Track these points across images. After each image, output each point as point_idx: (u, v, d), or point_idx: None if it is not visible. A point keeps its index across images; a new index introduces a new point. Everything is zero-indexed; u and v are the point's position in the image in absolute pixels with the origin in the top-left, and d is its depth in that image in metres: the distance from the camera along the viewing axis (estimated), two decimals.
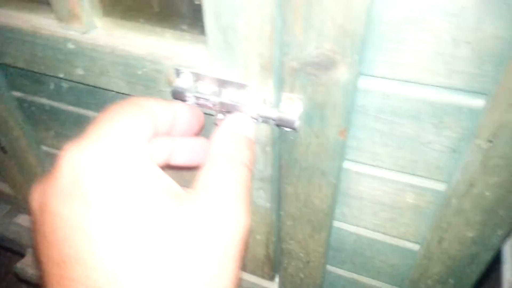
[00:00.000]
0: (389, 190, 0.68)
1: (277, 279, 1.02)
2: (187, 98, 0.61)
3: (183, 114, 0.54)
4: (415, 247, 0.75)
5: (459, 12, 0.46)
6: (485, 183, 0.57)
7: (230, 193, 0.41)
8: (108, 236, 0.34)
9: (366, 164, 0.67)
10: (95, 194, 0.35)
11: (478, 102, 0.52)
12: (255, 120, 0.61)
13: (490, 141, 0.53)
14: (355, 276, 0.90)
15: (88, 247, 0.34)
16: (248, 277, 1.05)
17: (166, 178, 0.41)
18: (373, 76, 0.55)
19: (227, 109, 0.61)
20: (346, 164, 0.68)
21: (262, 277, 1.02)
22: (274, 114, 0.59)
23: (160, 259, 0.34)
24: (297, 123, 0.59)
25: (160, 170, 0.41)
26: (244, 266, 1.02)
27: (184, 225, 0.36)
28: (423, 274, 0.76)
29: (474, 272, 0.71)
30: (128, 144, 0.39)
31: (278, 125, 0.61)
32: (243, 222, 0.40)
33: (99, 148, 0.38)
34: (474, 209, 0.61)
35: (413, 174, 0.64)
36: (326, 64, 0.53)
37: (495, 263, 0.77)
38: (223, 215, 0.39)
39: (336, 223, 0.80)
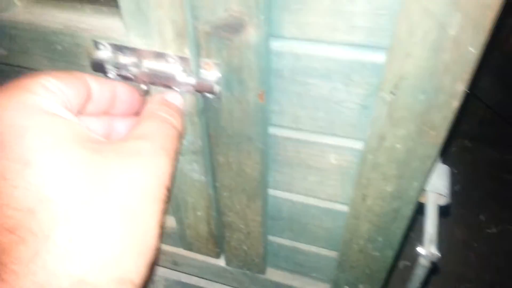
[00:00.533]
0: (314, 153, 0.71)
1: (223, 256, 1.04)
2: (107, 70, 0.62)
3: (124, 93, 0.55)
4: (344, 208, 0.78)
5: None
6: (394, 136, 0.61)
7: (155, 143, 0.44)
8: (22, 174, 0.35)
9: (289, 128, 0.69)
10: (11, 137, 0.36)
11: (379, 57, 0.55)
12: (177, 89, 0.62)
13: (393, 93, 0.56)
14: (295, 243, 0.92)
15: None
16: (195, 256, 1.06)
17: (83, 128, 0.42)
18: (284, 37, 0.57)
19: (148, 79, 0.61)
20: (271, 130, 0.71)
21: (208, 254, 1.04)
22: (193, 80, 0.60)
23: (78, 195, 0.35)
24: (216, 88, 0.61)
25: (78, 121, 0.42)
26: (189, 245, 1.03)
27: (102, 167, 0.38)
28: (354, 234, 0.79)
29: (399, 227, 0.75)
30: (46, 95, 0.41)
31: (199, 91, 0.62)
32: (165, 168, 0.42)
33: (14, 95, 0.39)
34: (389, 162, 0.65)
35: (333, 135, 0.67)
36: (235, 26, 0.55)
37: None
38: (145, 160, 0.41)
39: (271, 191, 0.82)
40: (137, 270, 0.36)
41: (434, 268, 0.75)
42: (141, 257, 0.36)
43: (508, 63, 2.37)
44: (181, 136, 0.52)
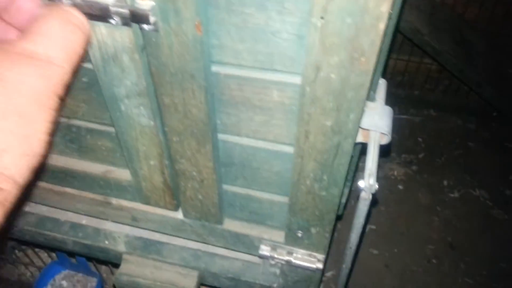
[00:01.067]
0: (257, 90, 0.72)
1: (180, 209, 1.05)
2: None
3: (25, 3, 0.53)
4: (290, 149, 0.80)
5: None
6: (328, 64, 0.62)
7: (51, 46, 0.42)
8: None
9: (231, 64, 0.70)
10: None
11: None
12: (113, 21, 0.62)
13: (323, 18, 0.57)
14: (248, 191, 0.94)
15: None
16: (154, 210, 1.07)
17: None
18: None
19: (81, 10, 0.61)
20: (214, 68, 0.71)
21: (166, 207, 1.05)
22: (126, 10, 0.60)
23: None
24: (152, 18, 0.61)
25: None
26: (147, 199, 1.04)
27: None
28: (301, 174, 0.81)
29: (342, 164, 0.77)
30: None
31: (134, 22, 0.62)
32: (59, 76, 0.41)
33: None
34: (326, 94, 0.66)
35: (272, 70, 0.68)
36: None
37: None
38: (36, 63, 0.40)
39: (220, 136, 0.83)
40: (19, 170, 0.36)
41: (374, 202, 0.78)
42: (24, 159, 0.37)
43: (470, 29, 2.41)
44: (87, 41, 0.48)
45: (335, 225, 0.90)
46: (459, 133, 2.53)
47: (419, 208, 2.20)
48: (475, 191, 2.28)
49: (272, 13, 0.61)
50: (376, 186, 0.72)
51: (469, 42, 2.42)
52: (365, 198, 0.73)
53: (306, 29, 0.61)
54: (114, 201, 1.11)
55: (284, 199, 0.92)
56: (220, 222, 1.03)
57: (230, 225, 1.04)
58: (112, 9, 0.60)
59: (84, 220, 1.23)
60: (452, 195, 2.25)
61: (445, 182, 2.30)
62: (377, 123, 0.79)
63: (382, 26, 0.56)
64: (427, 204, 2.22)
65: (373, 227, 2.06)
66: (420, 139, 2.48)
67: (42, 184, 1.15)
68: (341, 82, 0.64)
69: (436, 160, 2.41)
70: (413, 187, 2.28)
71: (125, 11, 0.60)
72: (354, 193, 1.22)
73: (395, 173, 2.32)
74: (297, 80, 0.68)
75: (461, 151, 2.45)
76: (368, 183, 0.72)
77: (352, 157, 0.77)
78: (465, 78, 2.36)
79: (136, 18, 0.61)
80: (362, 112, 0.68)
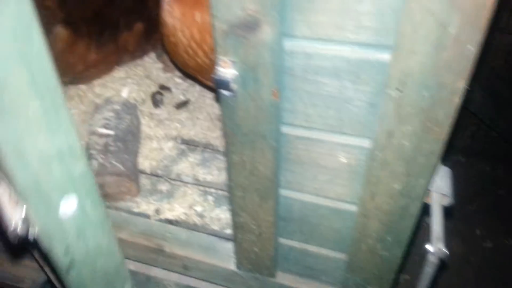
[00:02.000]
0: (324, 151, 0.74)
1: (234, 260, 1.06)
2: None
3: None
4: (353, 208, 0.81)
5: None
6: (401, 133, 0.64)
7: None
8: None
9: (301, 126, 0.73)
10: None
11: (385, 55, 0.59)
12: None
13: (399, 90, 0.59)
14: (305, 246, 0.94)
15: None
16: (206, 259, 1.09)
17: None
18: (296, 36, 0.62)
19: None
20: (284, 129, 0.74)
21: (220, 258, 1.06)
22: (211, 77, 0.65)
23: None
24: (232, 85, 0.65)
25: None
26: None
27: None
28: (362, 233, 0.81)
29: (407, 225, 0.77)
30: None
31: (216, 88, 0.66)
32: None
33: None
34: (396, 160, 0.67)
35: (342, 133, 0.71)
36: (251, 25, 0.59)
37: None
38: None
39: (282, 191, 0.85)
40: None
41: (442, 266, 0.77)
42: None
43: (497, 78, 2.40)
44: None
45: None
46: (488, 180, 2.47)
47: (452, 257, 2.12)
48: (508, 241, 2.20)
49: (346, 83, 0.64)
50: (446, 251, 0.71)
51: (497, 90, 2.41)
52: (433, 262, 0.73)
53: (380, 99, 0.63)
54: (168, 248, 1.13)
55: (341, 256, 0.92)
56: (273, 275, 1.03)
57: (283, 278, 1.04)
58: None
59: (132, 266, 1.25)
60: (485, 244, 2.17)
61: (478, 231, 2.23)
62: (438, 184, 0.79)
63: (457, 100, 0.58)
64: (460, 254, 2.14)
65: (407, 277, 2.00)
66: None
67: None
68: (413, 149, 0.65)
69: (467, 207, 2.34)
70: (446, 235, 2.21)
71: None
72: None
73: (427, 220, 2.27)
74: (366, 143, 0.70)
75: (491, 198, 2.38)
76: (436, 247, 0.71)
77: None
78: (493, 125, 2.35)
79: (218, 85, 0.65)
80: (432, 178, 0.69)
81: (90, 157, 1.21)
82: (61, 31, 1.24)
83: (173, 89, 1.59)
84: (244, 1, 0.57)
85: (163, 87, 1.58)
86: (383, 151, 0.67)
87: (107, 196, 1.21)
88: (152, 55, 1.64)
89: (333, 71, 0.63)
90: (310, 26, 0.60)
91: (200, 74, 1.06)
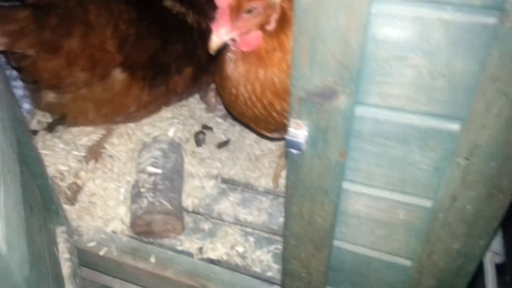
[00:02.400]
0: (383, 208, 0.77)
1: None
2: None
3: None
4: (407, 262, 0.83)
5: (435, 51, 0.57)
6: (466, 197, 0.67)
7: None
8: None
9: (362, 183, 0.76)
10: None
11: (455, 126, 0.62)
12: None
13: (468, 159, 0.63)
14: None
15: None
16: None
17: None
18: (368, 104, 0.66)
19: None
20: (345, 185, 0.77)
21: None
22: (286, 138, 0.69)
23: None
24: (304, 146, 0.70)
25: None
26: None
27: None
28: None
29: (461, 283, 0.78)
30: None
31: (288, 147, 0.71)
32: None
33: None
34: (458, 221, 0.70)
35: (403, 192, 0.74)
36: (328, 94, 0.64)
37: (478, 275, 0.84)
38: None
39: (336, 242, 0.88)
40: None
41: None
42: None
43: None
44: None
45: None
46: None
47: None
48: None
49: (413, 148, 0.68)
50: None
51: None
52: None
53: (446, 164, 0.66)
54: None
55: None
56: None
57: None
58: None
59: None
60: None
61: None
62: (491, 243, 0.81)
63: None
64: None
65: None
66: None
67: (145, 266, 1.22)
68: (475, 212, 0.68)
69: None
70: None
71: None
72: None
73: None
74: (427, 204, 0.73)
75: None
76: None
77: None
78: None
79: (289, 144, 0.70)
80: (491, 240, 0.71)
81: (139, 194, 1.26)
82: (119, 74, 1.32)
83: (215, 129, 1.64)
84: (325, 74, 0.62)
85: (206, 127, 1.64)
86: (445, 213, 0.70)
87: (153, 233, 1.25)
88: (196, 96, 1.71)
89: (401, 136, 0.67)
90: (383, 97, 0.64)
91: (254, 123, 1.11)
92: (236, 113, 1.11)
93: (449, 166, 0.66)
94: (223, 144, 1.60)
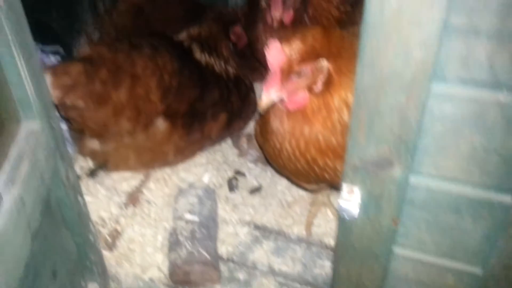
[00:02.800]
0: (432, 273, 0.78)
1: None
2: None
3: None
4: None
5: (490, 129, 0.60)
6: None
7: None
8: None
9: (412, 248, 0.77)
10: None
11: (507, 198, 0.64)
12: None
13: None
14: None
15: None
16: None
17: None
18: (421, 174, 0.68)
19: None
20: (395, 249, 0.78)
21: None
22: (336, 203, 0.71)
23: None
24: (356, 212, 0.72)
25: None
26: None
27: None
28: None
29: None
30: None
31: (340, 212, 0.73)
32: None
33: None
34: None
35: (453, 259, 0.74)
36: (384, 164, 0.66)
37: None
38: None
39: None
40: None
41: None
42: None
43: None
44: None
45: None
46: None
47: None
48: None
49: (465, 216, 0.69)
50: None
51: None
52: None
53: (498, 234, 0.67)
54: None
55: None
56: None
57: None
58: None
59: None
60: None
61: None
62: None
63: None
64: None
65: None
66: None
67: None
68: None
69: None
70: None
71: (335, 203, 0.71)
72: None
73: None
74: (477, 271, 0.74)
75: None
76: None
77: None
78: None
79: (342, 209, 0.72)
80: None
81: (178, 243, 1.28)
82: (161, 123, 1.37)
83: (247, 174, 1.67)
84: (382, 146, 0.64)
85: (238, 172, 1.67)
86: (496, 281, 0.71)
87: (190, 282, 1.26)
88: (229, 141, 1.75)
89: (454, 205, 0.68)
90: (437, 167, 0.66)
91: (295, 176, 1.14)
92: (278, 165, 1.14)
93: (501, 235, 0.67)
94: (255, 190, 1.62)
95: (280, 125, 1.00)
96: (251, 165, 1.73)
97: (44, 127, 0.89)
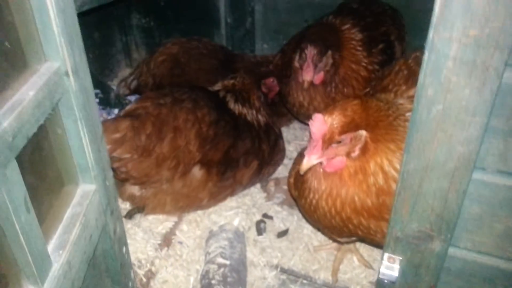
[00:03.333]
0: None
1: None
2: None
3: None
4: None
5: None
6: None
7: None
8: None
9: None
10: None
11: None
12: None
13: None
14: None
15: None
16: None
17: None
18: (458, 247, 0.75)
19: None
20: None
21: None
22: (379, 270, 0.78)
23: None
24: (396, 278, 0.78)
25: None
26: None
27: None
28: None
29: None
30: None
31: (380, 277, 0.79)
32: None
33: None
34: None
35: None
36: (424, 238, 0.73)
37: None
38: None
39: None
40: None
41: None
42: None
43: None
44: None
45: None
46: None
47: None
48: None
49: (498, 286, 0.75)
50: None
51: None
52: None
53: None
54: None
55: None
56: None
57: None
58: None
59: None
60: None
61: None
62: None
63: None
64: None
65: None
66: None
67: None
68: None
69: None
70: None
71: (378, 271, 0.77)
72: None
73: None
74: None
75: None
76: None
77: None
78: None
79: (383, 275, 0.78)
80: None
81: (210, 287, 1.34)
82: (197, 171, 1.46)
83: (274, 217, 1.74)
84: (423, 222, 0.71)
85: (266, 215, 1.73)
86: None
87: None
88: (258, 184, 1.83)
89: (487, 276, 0.75)
90: (474, 243, 0.73)
91: (329, 230, 1.20)
92: (312, 220, 1.20)
93: None
94: (282, 234, 1.68)
95: (317, 185, 1.08)
96: (278, 208, 1.79)
97: (99, 189, 0.96)
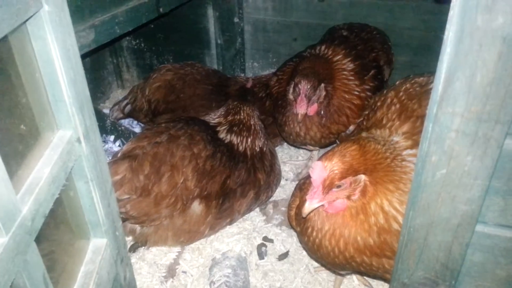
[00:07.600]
0: None
1: None
2: None
3: None
4: None
5: None
6: None
7: None
8: None
9: None
10: None
11: None
12: None
13: None
14: None
15: None
16: None
17: None
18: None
19: None
20: None
21: None
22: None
23: None
24: None
25: None
26: None
27: None
28: None
29: None
30: None
31: None
32: None
33: None
34: None
35: None
36: (430, 284, 0.77)
37: None
38: None
39: None
40: None
41: None
42: None
43: None
44: None
45: None
46: None
47: None
48: None
49: None
50: None
51: None
52: None
53: None
54: None
55: None
56: None
57: None
58: None
59: None
60: None
61: None
62: None
63: None
64: None
65: None
66: None
67: None
68: None
69: None
70: None
71: None
72: None
73: None
74: None
75: None
76: None
77: None
78: None
79: None
80: None
81: None
82: (197, 206, 1.48)
83: (275, 240, 1.77)
84: (429, 271, 0.75)
85: (266, 239, 1.76)
86: None
87: None
88: (257, 208, 1.86)
89: None
90: (477, 286, 0.77)
91: (332, 266, 1.23)
92: (316, 256, 1.24)
93: None
94: (283, 256, 1.71)
95: (320, 225, 1.11)
96: (277, 230, 1.82)
97: (110, 242, 0.98)
